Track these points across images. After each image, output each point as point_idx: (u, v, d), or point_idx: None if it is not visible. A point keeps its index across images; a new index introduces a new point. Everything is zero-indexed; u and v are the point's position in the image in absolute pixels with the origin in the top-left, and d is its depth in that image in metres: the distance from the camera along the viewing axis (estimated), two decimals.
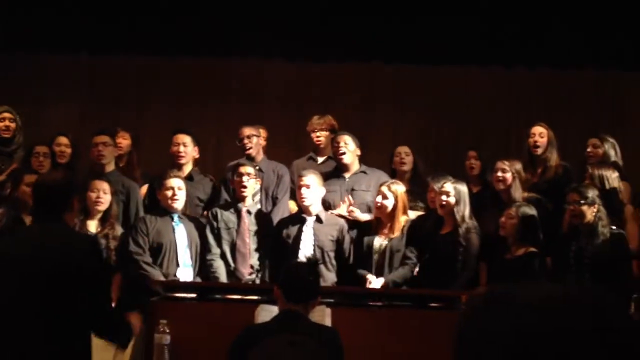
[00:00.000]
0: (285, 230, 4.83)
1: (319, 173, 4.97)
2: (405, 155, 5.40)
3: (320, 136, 5.51)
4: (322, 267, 4.65)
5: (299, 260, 3.05)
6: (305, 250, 4.66)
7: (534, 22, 6.94)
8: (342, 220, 4.93)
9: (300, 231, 4.76)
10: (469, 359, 0.86)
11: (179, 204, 4.75)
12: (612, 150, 5.18)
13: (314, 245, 4.72)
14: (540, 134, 5.26)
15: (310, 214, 4.81)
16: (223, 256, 4.79)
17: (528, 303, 0.84)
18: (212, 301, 4.09)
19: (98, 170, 5.06)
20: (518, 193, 4.76)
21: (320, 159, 5.52)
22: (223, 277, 4.68)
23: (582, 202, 4.20)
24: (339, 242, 4.79)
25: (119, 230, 4.69)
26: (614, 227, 4.25)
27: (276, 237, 4.84)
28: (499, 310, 0.86)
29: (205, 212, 5.16)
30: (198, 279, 4.69)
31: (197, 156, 5.41)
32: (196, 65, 7.31)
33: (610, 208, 4.46)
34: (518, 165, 4.89)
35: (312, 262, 3.07)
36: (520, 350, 0.81)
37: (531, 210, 4.44)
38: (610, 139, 5.27)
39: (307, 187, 4.76)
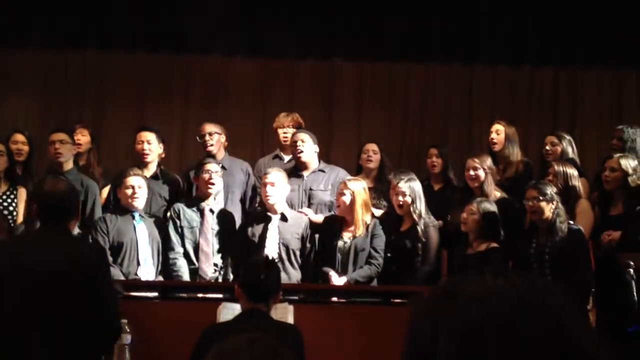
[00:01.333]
0: (250, 228, 4.81)
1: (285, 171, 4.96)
2: (373, 153, 5.40)
3: (287, 133, 5.46)
4: (287, 265, 4.66)
5: (257, 258, 3.04)
6: (271, 249, 4.65)
7: (491, 20, 7.03)
8: (306, 218, 4.92)
9: (265, 230, 4.74)
10: (418, 352, 0.87)
11: (139, 202, 4.69)
12: (569, 147, 5.26)
13: (279, 244, 4.71)
14: (497, 131, 5.33)
15: (275, 212, 4.79)
16: (186, 255, 4.76)
17: (474, 296, 0.86)
18: (174, 300, 4.07)
19: (56, 169, 4.98)
20: (491, 189, 4.81)
21: (286, 157, 5.47)
22: (186, 276, 4.64)
23: (541, 198, 4.27)
24: (303, 240, 4.78)
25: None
26: (572, 223, 4.33)
27: (241, 236, 4.81)
28: (447, 304, 0.87)
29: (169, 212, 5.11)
30: (160, 278, 4.65)
31: (162, 154, 5.37)
32: (157, 61, 7.25)
33: (570, 204, 4.55)
34: (488, 161, 4.93)
35: (271, 260, 3.06)
36: (467, 343, 0.82)
37: (492, 206, 4.50)
38: (567, 136, 5.36)
39: (272, 184, 4.73)
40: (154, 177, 5.04)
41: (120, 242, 4.58)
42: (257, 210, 5.08)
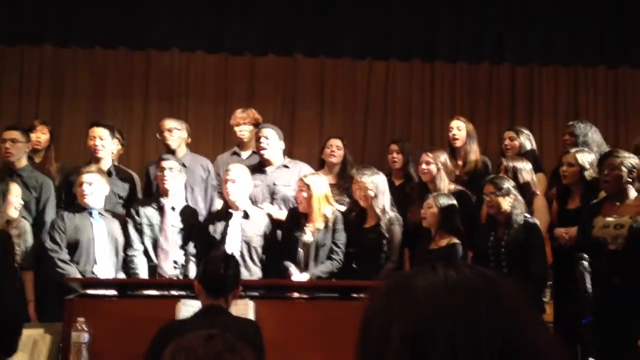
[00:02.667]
0: (211, 225, 4.77)
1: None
2: (336, 149, 5.42)
3: (244, 130, 5.43)
4: (248, 261, 4.64)
5: (216, 253, 3.01)
6: (232, 246, 4.62)
7: (450, 17, 7.09)
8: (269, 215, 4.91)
9: (226, 226, 4.71)
10: (370, 346, 0.87)
11: (91, 199, 4.62)
12: (527, 141, 5.33)
13: (241, 241, 4.68)
14: (458, 127, 5.38)
15: (237, 209, 4.76)
16: (145, 253, 4.71)
17: (427, 289, 0.86)
18: (133, 298, 4.02)
19: (10, 167, 4.88)
20: (443, 184, 4.85)
21: (244, 154, 5.44)
22: (144, 274, 4.60)
23: (498, 193, 4.32)
24: (266, 237, 4.76)
25: (24, 227, 4.56)
26: (527, 216, 4.40)
27: (202, 233, 4.78)
28: (400, 298, 0.87)
29: (126, 210, 5.04)
30: (120, 276, 4.59)
31: (118, 150, 5.28)
32: (116, 57, 7.15)
33: (526, 201, 4.61)
34: (443, 157, 4.97)
35: (230, 255, 3.04)
36: (419, 335, 0.82)
37: (449, 200, 4.54)
38: (525, 131, 5.44)
39: (233, 181, 4.70)
40: (108, 173, 4.97)
41: (77, 240, 4.52)
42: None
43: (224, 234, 4.69)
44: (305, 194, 4.68)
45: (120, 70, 7.20)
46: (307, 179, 4.74)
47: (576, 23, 7.00)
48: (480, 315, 0.83)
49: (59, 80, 7.15)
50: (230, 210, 4.77)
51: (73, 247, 4.51)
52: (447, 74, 7.52)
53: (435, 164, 4.87)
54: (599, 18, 6.96)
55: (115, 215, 4.82)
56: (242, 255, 4.60)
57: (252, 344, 2.71)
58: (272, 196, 5.12)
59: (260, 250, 4.72)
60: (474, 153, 5.36)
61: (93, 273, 4.48)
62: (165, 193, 4.82)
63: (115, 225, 4.70)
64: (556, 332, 4.57)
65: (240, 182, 4.72)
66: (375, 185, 4.69)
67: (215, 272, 2.89)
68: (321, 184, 4.79)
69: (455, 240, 4.44)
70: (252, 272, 4.64)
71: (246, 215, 4.75)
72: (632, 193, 4.17)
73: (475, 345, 0.80)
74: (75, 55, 7.11)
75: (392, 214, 4.72)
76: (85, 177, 4.60)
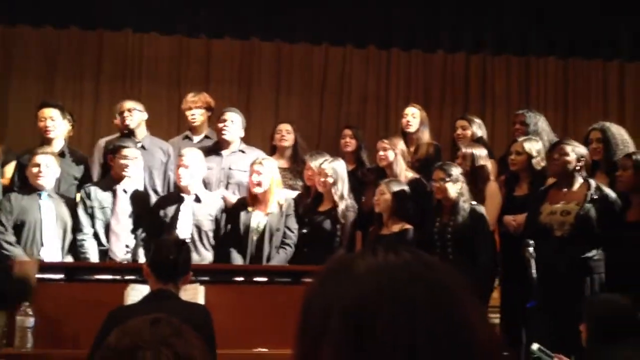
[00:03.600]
0: (162, 209, 4.73)
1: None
2: (286, 133, 5.40)
3: (195, 114, 5.37)
4: (199, 246, 4.61)
5: (167, 237, 2.98)
6: (183, 230, 4.59)
7: (406, 5, 7.11)
8: (221, 199, 4.88)
9: (178, 210, 4.67)
10: (310, 329, 0.88)
11: (45, 181, 4.54)
12: (479, 130, 5.41)
13: (192, 225, 4.65)
14: (412, 114, 5.42)
15: (188, 193, 4.72)
16: (96, 236, 4.64)
17: (366, 271, 0.87)
18: (81, 282, 3.96)
19: None
20: (400, 170, 4.90)
21: (196, 138, 5.38)
22: (94, 257, 4.53)
23: (447, 179, 4.38)
24: (217, 222, 4.74)
25: None
26: (474, 203, 4.47)
27: (153, 217, 4.73)
28: (339, 280, 0.88)
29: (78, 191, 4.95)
30: (67, 260, 4.52)
31: (68, 131, 5.17)
32: (67, 36, 6.99)
33: (479, 186, 4.69)
34: (401, 144, 5.01)
35: (181, 240, 3.02)
36: (358, 318, 0.83)
37: (402, 186, 4.59)
38: (477, 120, 5.51)
39: (186, 167, 4.66)
40: (60, 154, 4.86)
41: (22, 221, 4.44)
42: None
43: (175, 217, 4.64)
44: (262, 179, 4.66)
45: (71, 50, 7.05)
46: (265, 162, 4.74)
47: (527, 14, 7.11)
48: (417, 296, 0.84)
49: (7, 59, 6.96)
50: (181, 194, 4.73)
51: (18, 229, 4.43)
52: (402, 61, 7.57)
53: (393, 150, 4.91)
54: (549, 10, 7.08)
55: (63, 197, 4.73)
56: (192, 239, 4.57)
57: (202, 329, 2.71)
58: (227, 180, 5.10)
59: (211, 235, 4.70)
60: (426, 139, 5.41)
61: (39, 255, 4.40)
62: (118, 176, 4.75)
63: (64, 208, 4.62)
64: (502, 316, 4.69)
65: (193, 167, 4.69)
66: (335, 171, 4.72)
67: (166, 257, 2.86)
68: (277, 169, 4.80)
69: (407, 226, 4.49)
70: (202, 256, 4.62)
71: (198, 199, 4.72)
72: (579, 181, 4.27)
73: (412, 325, 0.82)
74: (24, 34, 6.92)
75: (349, 200, 4.75)
76: (41, 159, 4.53)
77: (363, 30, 7.10)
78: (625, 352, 2.82)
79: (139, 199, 4.78)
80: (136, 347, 1.43)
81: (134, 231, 4.69)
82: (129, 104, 5.21)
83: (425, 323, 0.82)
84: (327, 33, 7.03)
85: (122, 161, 4.70)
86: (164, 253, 2.89)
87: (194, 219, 4.66)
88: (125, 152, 4.72)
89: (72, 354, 3.49)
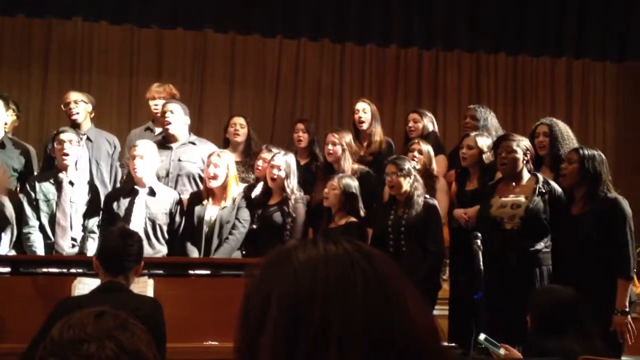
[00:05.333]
0: (115, 202, 4.66)
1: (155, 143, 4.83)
2: (240, 127, 5.38)
3: (159, 105, 5.30)
4: (153, 239, 4.57)
5: (115, 229, 2.94)
6: (137, 223, 4.53)
7: (360, 1, 7.14)
8: (176, 193, 4.84)
9: (132, 203, 4.61)
10: (250, 320, 0.88)
11: None
12: (430, 124, 5.47)
13: (145, 218, 4.60)
14: (363, 109, 5.43)
15: (143, 186, 4.66)
16: (42, 229, 4.55)
17: (305, 262, 0.88)
18: (28, 275, 3.87)
19: None
20: (348, 164, 4.92)
21: (158, 130, 5.32)
22: (40, 251, 4.45)
23: (399, 173, 4.42)
24: (172, 215, 4.69)
25: None
26: (427, 197, 4.52)
27: (106, 210, 4.66)
28: (279, 271, 0.89)
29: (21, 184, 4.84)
30: (13, 252, 4.42)
31: (12, 122, 5.04)
32: (13, 25, 6.81)
33: (428, 181, 4.75)
34: (348, 138, 5.04)
35: (131, 232, 2.97)
36: (296, 308, 0.84)
37: (353, 182, 4.62)
38: (428, 114, 5.56)
39: (141, 157, 4.60)
40: (1, 145, 4.73)
41: None
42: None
43: (129, 210, 4.58)
44: (220, 172, 4.64)
45: (17, 39, 6.87)
46: (223, 155, 4.72)
47: (479, 11, 7.22)
48: (355, 285, 0.85)
49: None
50: (135, 187, 4.66)
51: None
52: (356, 55, 7.60)
53: (341, 145, 4.94)
54: (500, 6, 7.20)
55: (7, 190, 4.61)
56: (146, 233, 4.53)
57: (151, 322, 2.69)
58: (177, 172, 5.05)
59: (165, 228, 4.65)
60: (378, 134, 5.44)
61: None
62: (64, 167, 4.66)
63: (7, 201, 4.50)
64: (452, 308, 4.77)
65: (148, 159, 4.63)
66: (288, 164, 4.72)
67: (113, 249, 2.82)
68: (234, 163, 4.80)
69: (353, 219, 4.53)
70: (156, 249, 4.57)
71: (152, 192, 4.67)
72: (527, 174, 4.36)
73: (348, 313, 0.83)
74: None
75: (298, 193, 4.76)
76: None
77: (317, 23, 7.11)
78: (567, 342, 2.90)
79: (87, 190, 4.70)
80: (80, 340, 1.41)
81: (82, 224, 4.61)
82: (74, 96, 5.12)
83: (361, 313, 0.83)
84: (281, 25, 7.01)
85: (59, 146, 4.61)
86: (111, 245, 2.84)
87: (148, 213, 4.60)
88: (62, 136, 4.63)
89: (18, 347, 3.41)
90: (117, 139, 5.21)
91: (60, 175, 4.64)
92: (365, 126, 5.40)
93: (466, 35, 7.17)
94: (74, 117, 5.05)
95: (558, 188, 4.26)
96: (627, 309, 3.91)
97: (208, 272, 4.11)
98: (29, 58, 6.93)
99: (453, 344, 3.86)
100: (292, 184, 4.71)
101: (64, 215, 4.57)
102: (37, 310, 3.02)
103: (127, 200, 4.63)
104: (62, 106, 5.19)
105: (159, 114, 5.28)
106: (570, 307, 3.02)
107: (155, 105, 5.32)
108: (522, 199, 4.24)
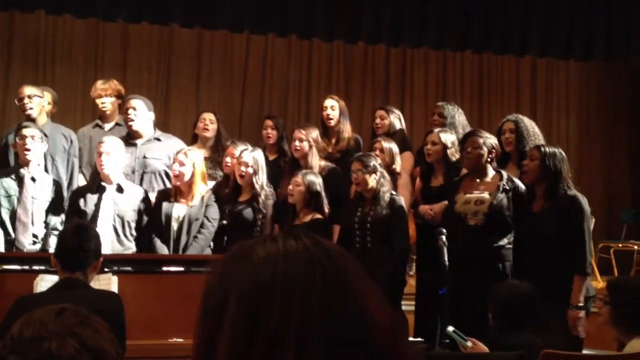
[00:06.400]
0: (82, 199, 4.59)
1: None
2: (209, 123, 5.35)
3: (106, 102, 5.24)
4: (122, 237, 4.53)
5: (71, 225, 2.89)
6: (105, 220, 4.49)
7: None
8: (142, 190, 4.79)
9: (100, 200, 4.55)
10: (209, 317, 0.88)
11: None
12: (397, 120, 5.49)
13: (114, 215, 4.55)
14: (332, 107, 5.44)
15: (110, 183, 4.61)
16: (2, 225, 4.47)
17: (265, 257, 0.88)
18: None
19: None
20: (315, 160, 4.92)
21: (107, 126, 5.26)
22: (0, 247, 4.36)
23: (364, 170, 4.44)
24: (140, 212, 4.65)
25: None
26: (394, 193, 4.55)
27: (72, 206, 4.60)
28: (238, 266, 0.88)
29: None
30: None
31: None
32: None
33: (392, 179, 4.77)
34: (315, 134, 5.04)
35: (84, 227, 2.92)
36: (255, 304, 0.84)
37: (317, 178, 4.62)
38: (395, 111, 5.59)
39: (108, 154, 4.55)
40: None
41: None
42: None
43: (97, 207, 4.53)
44: (187, 170, 4.61)
45: None
46: (190, 153, 4.68)
47: (444, 8, 7.27)
48: (314, 282, 0.85)
49: None
50: (103, 184, 4.61)
51: None
52: (324, 52, 7.60)
53: (308, 141, 4.94)
54: (466, 4, 7.26)
55: None
56: (115, 230, 4.50)
57: (112, 317, 2.65)
58: (143, 169, 5.00)
59: (133, 225, 4.61)
60: (347, 131, 5.45)
61: None
62: (25, 163, 4.58)
63: None
64: (418, 303, 4.82)
65: (115, 155, 4.58)
66: (256, 161, 4.70)
67: (69, 246, 2.78)
68: (202, 160, 4.76)
69: (318, 216, 4.53)
70: (126, 247, 4.53)
71: (120, 189, 4.62)
72: (491, 171, 4.41)
73: (308, 310, 0.83)
74: None
75: (268, 189, 4.76)
76: None
77: (284, 19, 7.09)
78: (528, 336, 2.95)
79: (49, 187, 4.63)
80: (40, 337, 1.40)
81: (44, 220, 4.54)
82: (28, 91, 5.03)
83: (320, 309, 0.83)
84: (249, 20, 6.97)
85: (21, 142, 4.54)
86: (66, 242, 2.81)
87: (116, 210, 4.55)
88: (24, 132, 4.56)
89: None
90: (74, 134, 5.13)
91: (22, 171, 4.57)
92: (333, 123, 5.41)
93: (433, 33, 7.21)
94: (27, 112, 4.96)
95: (522, 185, 4.32)
96: (581, 304, 3.98)
97: (181, 269, 4.08)
98: None
99: (418, 339, 3.89)
100: (261, 179, 4.70)
101: (25, 212, 4.50)
102: None
103: (95, 197, 4.57)
104: (15, 101, 5.09)
105: (107, 111, 5.22)
106: (529, 302, 3.07)
107: (102, 103, 5.24)
108: (486, 195, 4.29)
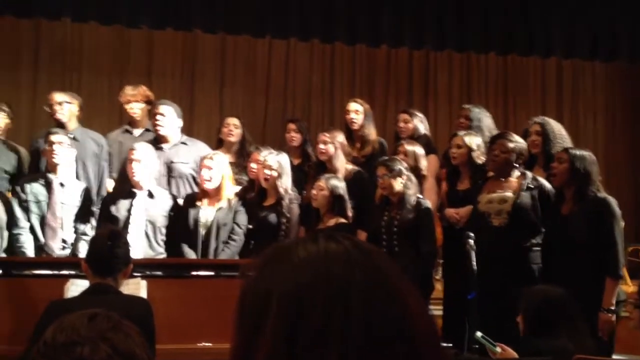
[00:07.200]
0: (113, 205, 4.63)
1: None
2: (234, 127, 5.37)
3: (135, 108, 5.28)
4: (153, 242, 4.56)
5: (103, 231, 2.92)
6: (137, 226, 4.52)
7: (349, 1, 7.13)
8: (171, 195, 4.82)
9: (131, 206, 4.58)
10: (249, 316, 0.88)
11: None
12: (420, 124, 5.47)
13: (145, 221, 4.58)
14: (356, 110, 5.42)
15: (141, 189, 4.64)
16: (32, 230, 4.52)
17: (306, 258, 0.88)
18: (19, 277, 3.84)
19: None
20: (340, 163, 4.91)
21: (136, 132, 5.30)
22: (30, 252, 4.41)
23: (389, 174, 4.42)
24: (170, 217, 4.67)
25: None
26: (420, 197, 4.52)
27: (103, 212, 4.64)
28: (279, 267, 0.88)
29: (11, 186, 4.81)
30: (3, 255, 4.38)
31: (6, 124, 5.02)
32: (1, 26, 6.76)
33: (417, 182, 4.74)
34: (340, 137, 5.03)
35: (117, 233, 2.95)
36: (297, 304, 0.83)
37: (340, 182, 4.61)
38: (419, 114, 5.56)
39: (139, 161, 4.59)
40: None
41: None
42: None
43: (128, 213, 4.56)
44: (214, 174, 4.63)
45: (6, 40, 6.83)
46: (216, 157, 4.71)
47: (468, 11, 7.23)
48: (355, 282, 0.85)
49: None
50: (134, 190, 4.64)
51: None
52: (346, 55, 7.60)
53: (333, 144, 4.93)
54: (489, 6, 7.21)
55: None
56: (147, 236, 4.52)
57: (141, 322, 2.67)
58: (170, 173, 5.04)
59: (164, 231, 4.63)
60: (372, 135, 5.44)
61: None
62: (54, 168, 4.63)
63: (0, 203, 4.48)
64: (445, 308, 4.78)
65: (145, 162, 4.62)
66: (280, 165, 4.71)
67: (101, 252, 2.81)
68: (228, 165, 4.78)
69: (342, 220, 4.52)
70: (157, 252, 4.56)
71: (151, 195, 4.65)
72: (515, 172, 4.36)
73: (347, 312, 0.82)
74: None
75: (292, 193, 4.76)
76: None
77: (306, 23, 7.11)
78: (561, 341, 2.90)
79: (78, 192, 4.68)
80: (73, 342, 1.40)
81: (74, 225, 4.59)
82: (58, 97, 5.09)
83: (361, 310, 0.83)
84: (271, 25, 7.00)
85: (49, 148, 4.59)
86: (98, 248, 2.83)
87: (147, 215, 4.58)
88: (52, 138, 4.61)
89: (9, 350, 3.39)
90: (103, 139, 5.19)
91: (51, 176, 4.61)
92: (357, 127, 5.40)
93: (456, 35, 7.18)
94: (58, 118, 5.02)
95: (547, 184, 4.26)
96: (614, 308, 3.92)
97: (211, 273, 4.09)
98: (17, 59, 6.89)
99: (447, 344, 3.86)
100: (286, 183, 4.71)
101: (54, 217, 4.54)
102: (29, 312, 3.00)
103: (126, 203, 4.60)
104: (45, 107, 5.15)
105: (137, 117, 5.26)
106: (561, 307, 3.03)
107: (131, 108, 5.29)
108: (509, 193, 4.25)
